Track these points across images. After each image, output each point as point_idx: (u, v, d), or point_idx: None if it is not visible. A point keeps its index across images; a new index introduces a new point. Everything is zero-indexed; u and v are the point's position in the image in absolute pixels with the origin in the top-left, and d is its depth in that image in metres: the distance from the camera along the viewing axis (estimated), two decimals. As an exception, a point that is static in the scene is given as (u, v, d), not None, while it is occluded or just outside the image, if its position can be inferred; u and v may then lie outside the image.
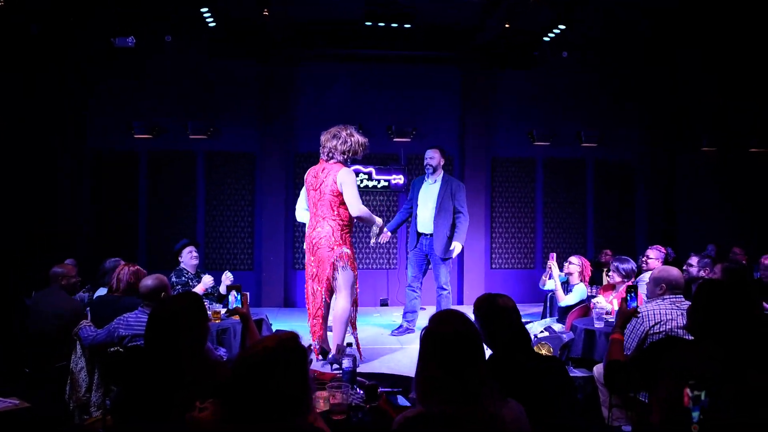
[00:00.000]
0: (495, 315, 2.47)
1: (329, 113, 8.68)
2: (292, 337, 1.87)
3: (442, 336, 1.91)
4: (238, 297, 3.12)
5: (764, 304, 4.44)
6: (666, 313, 3.53)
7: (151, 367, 2.36)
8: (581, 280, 5.60)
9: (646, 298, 4.29)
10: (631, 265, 4.99)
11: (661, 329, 3.50)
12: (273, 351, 1.80)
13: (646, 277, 5.45)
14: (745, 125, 9.17)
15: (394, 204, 8.75)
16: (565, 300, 5.50)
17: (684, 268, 5.57)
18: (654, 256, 5.85)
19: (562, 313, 5.59)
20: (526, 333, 2.55)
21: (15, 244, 7.07)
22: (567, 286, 5.72)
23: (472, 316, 2.07)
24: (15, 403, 2.81)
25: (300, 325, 6.33)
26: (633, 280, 5.05)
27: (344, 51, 8.52)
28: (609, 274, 5.18)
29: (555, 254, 5.75)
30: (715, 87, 8.94)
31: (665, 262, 5.84)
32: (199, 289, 5.09)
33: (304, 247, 4.91)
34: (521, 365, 2.39)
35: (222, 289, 5.31)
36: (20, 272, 6.05)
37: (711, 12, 7.19)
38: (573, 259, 5.65)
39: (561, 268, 5.74)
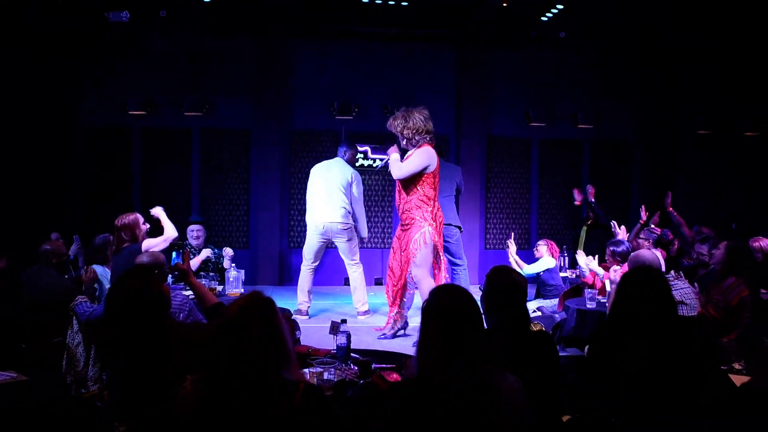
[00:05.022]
0: (508, 289, 2.54)
1: (324, 91, 8.66)
2: (255, 294, 1.95)
3: (442, 308, 1.96)
4: (180, 253, 3.19)
5: (761, 290, 4.46)
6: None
7: (125, 342, 2.42)
8: (549, 255, 5.93)
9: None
10: (624, 247, 5.05)
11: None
12: (239, 312, 1.87)
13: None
14: (741, 109, 9.17)
15: (390, 183, 8.74)
16: (527, 269, 5.78)
17: (694, 256, 5.60)
18: (643, 235, 5.91)
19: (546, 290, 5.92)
20: (527, 312, 2.63)
21: (4, 222, 7.04)
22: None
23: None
24: (12, 376, 2.84)
25: (294, 303, 6.37)
26: None
27: (339, 28, 8.45)
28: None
29: (513, 234, 6.41)
30: (712, 70, 8.92)
31: (659, 243, 5.90)
32: (195, 261, 5.10)
33: (439, 226, 5.14)
34: (521, 339, 2.46)
35: (225, 264, 5.36)
36: (11, 249, 6.03)
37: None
38: (540, 242, 6.09)
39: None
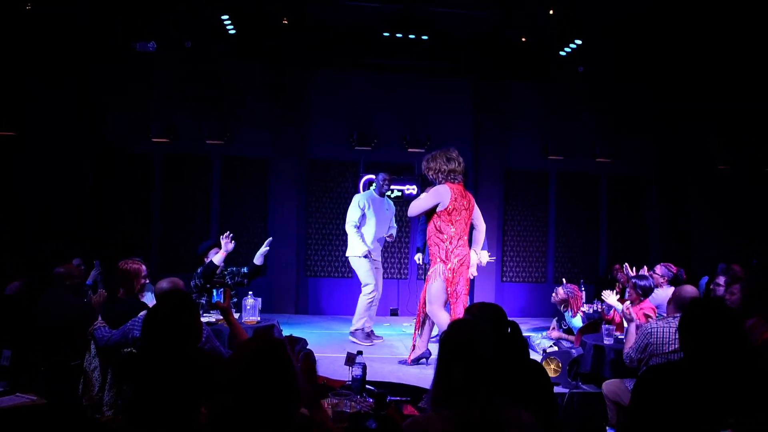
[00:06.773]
0: (494, 320, 2.65)
1: (342, 121, 8.77)
2: (266, 338, 1.96)
3: (457, 342, 1.98)
4: (221, 291, 3.27)
5: None
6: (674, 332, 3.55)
7: (152, 368, 2.44)
8: (571, 309, 5.67)
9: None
10: (648, 282, 4.97)
11: (666, 349, 3.54)
12: (252, 355, 1.89)
13: (658, 293, 5.45)
14: (762, 143, 9.10)
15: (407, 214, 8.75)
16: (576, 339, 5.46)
17: (711, 287, 5.54)
18: (660, 272, 5.84)
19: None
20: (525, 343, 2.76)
21: (27, 245, 7.15)
22: (562, 320, 5.79)
23: None
24: (33, 399, 2.88)
25: (310, 332, 6.38)
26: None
27: (359, 60, 8.58)
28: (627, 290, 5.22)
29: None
30: (731, 103, 8.89)
31: (675, 282, 5.82)
32: (219, 256, 4.83)
33: (455, 263, 5.19)
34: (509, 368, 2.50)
35: (257, 260, 5.33)
36: (31, 273, 6.13)
37: (729, 32, 7.18)
38: (560, 290, 5.76)
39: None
